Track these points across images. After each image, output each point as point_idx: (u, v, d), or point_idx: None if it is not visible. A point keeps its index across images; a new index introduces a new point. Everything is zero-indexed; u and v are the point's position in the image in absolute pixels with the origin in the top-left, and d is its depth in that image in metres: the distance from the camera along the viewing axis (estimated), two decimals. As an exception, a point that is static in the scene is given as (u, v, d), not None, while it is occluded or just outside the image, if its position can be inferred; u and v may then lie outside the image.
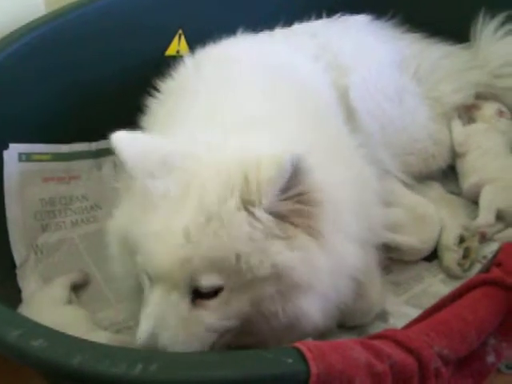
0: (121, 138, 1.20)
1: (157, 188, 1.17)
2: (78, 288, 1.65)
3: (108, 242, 1.34)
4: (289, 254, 1.16)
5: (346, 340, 1.15)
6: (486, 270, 1.31)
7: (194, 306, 1.17)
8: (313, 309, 1.21)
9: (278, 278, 1.16)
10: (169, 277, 1.15)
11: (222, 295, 1.17)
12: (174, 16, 2.00)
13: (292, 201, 1.16)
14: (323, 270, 1.20)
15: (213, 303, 1.17)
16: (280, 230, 1.16)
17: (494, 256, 1.33)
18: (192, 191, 1.16)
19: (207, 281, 1.14)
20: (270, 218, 1.15)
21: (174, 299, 1.15)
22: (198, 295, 1.17)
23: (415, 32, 2.07)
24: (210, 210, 1.14)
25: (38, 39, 1.83)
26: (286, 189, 1.13)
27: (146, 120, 1.58)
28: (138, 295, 1.27)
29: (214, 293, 1.16)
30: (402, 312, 1.53)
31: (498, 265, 1.29)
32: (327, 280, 1.22)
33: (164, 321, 1.15)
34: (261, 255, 1.14)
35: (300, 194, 1.16)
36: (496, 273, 1.27)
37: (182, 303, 1.16)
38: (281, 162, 1.09)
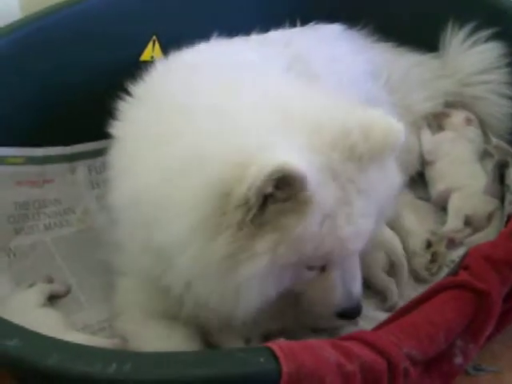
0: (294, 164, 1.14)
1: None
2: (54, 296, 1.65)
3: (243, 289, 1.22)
4: None
5: (316, 340, 1.17)
6: (454, 273, 1.34)
7: None
8: None
9: None
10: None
11: None
12: (148, 22, 2.01)
13: None
14: None
15: None
16: None
17: (462, 260, 1.36)
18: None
19: None
20: None
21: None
22: None
23: (386, 41, 2.10)
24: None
25: (13, 43, 1.82)
26: None
27: (117, 124, 1.58)
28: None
29: None
30: (371, 315, 1.55)
31: (466, 268, 1.32)
32: None
33: None
34: None
35: None
36: (464, 276, 1.30)
37: None
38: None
